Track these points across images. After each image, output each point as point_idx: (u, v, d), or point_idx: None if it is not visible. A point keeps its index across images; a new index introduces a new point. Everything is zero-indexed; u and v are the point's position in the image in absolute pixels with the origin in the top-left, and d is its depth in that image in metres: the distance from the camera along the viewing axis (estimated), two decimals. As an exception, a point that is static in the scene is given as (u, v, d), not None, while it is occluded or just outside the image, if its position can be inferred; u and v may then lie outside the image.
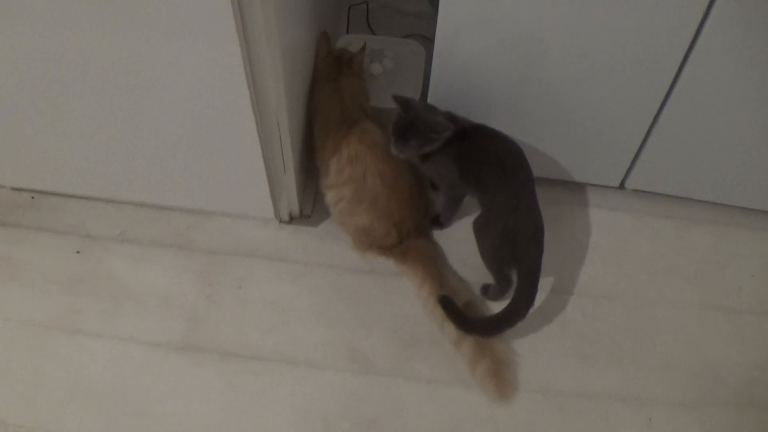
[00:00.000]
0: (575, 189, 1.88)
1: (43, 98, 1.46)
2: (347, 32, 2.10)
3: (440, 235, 1.77)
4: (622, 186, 1.83)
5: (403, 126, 1.53)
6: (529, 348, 1.60)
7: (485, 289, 1.66)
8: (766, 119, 1.55)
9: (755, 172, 1.71)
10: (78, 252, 1.76)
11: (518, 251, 1.54)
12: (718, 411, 1.54)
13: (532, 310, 1.52)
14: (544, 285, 1.51)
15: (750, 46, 1.39)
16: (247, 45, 1.28)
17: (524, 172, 1.58)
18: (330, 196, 1.70)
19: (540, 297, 1.50)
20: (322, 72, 1.73)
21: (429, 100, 1.68)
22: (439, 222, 1.77)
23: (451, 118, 1.59)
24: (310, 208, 1.82)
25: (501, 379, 1.52)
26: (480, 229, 1.62)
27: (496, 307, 1.60)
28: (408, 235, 1.67)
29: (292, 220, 1.80)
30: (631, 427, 1.52)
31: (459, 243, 1.74)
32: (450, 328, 1.54)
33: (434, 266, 1.64)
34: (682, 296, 1.72)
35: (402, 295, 1.67)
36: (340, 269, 1.72)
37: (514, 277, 1.57)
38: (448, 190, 1.71)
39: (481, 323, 1.56)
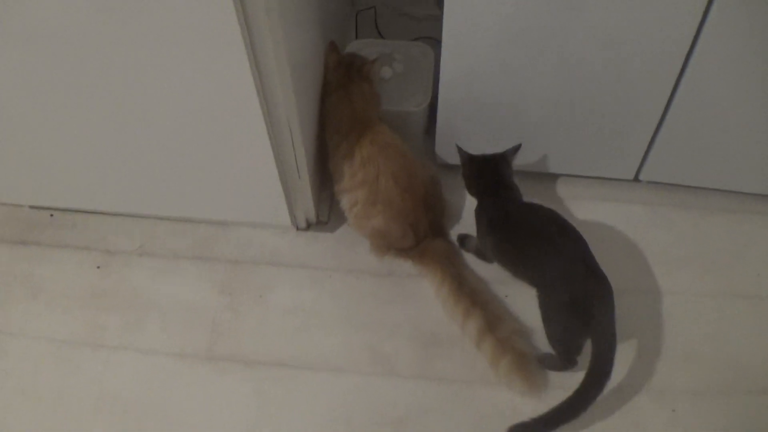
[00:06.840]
0: (590, 183, 1.88)
1: (57, 116, 1.48)
2: (356, 38, 2.11)
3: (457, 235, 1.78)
4: (636, 178, 1.83)
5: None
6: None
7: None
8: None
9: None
10: (99, 267, 1.77)
11: (592, 319, 1.44)
12: (742, 398, 1.54)
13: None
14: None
15: (756, 31, 1.39)
16: (255, 55, 1.28)
17: (573, 237, 1.51)
18: (345, 201, 1.71)
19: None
20: (333, 80, 1.73)
21: (439, 101, 1.69)
22: (463, 243, 1.76)
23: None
24: (327, 214, 1.82)
25: (527, 372, 1.51)
26: (542, 306, 1.52)
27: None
28: (425, 236, 1.68)
29: (309, 226, 1.81)
30: (655, 418, 1.52)
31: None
32: (470, 326, 1.54)
33: (452, 266, 1.64)
34: (700, 286, 1.71)
35: (421, 297, 1.68)
36: (358, 273, 1.73)
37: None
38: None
39: (562, 411, 1.42)
